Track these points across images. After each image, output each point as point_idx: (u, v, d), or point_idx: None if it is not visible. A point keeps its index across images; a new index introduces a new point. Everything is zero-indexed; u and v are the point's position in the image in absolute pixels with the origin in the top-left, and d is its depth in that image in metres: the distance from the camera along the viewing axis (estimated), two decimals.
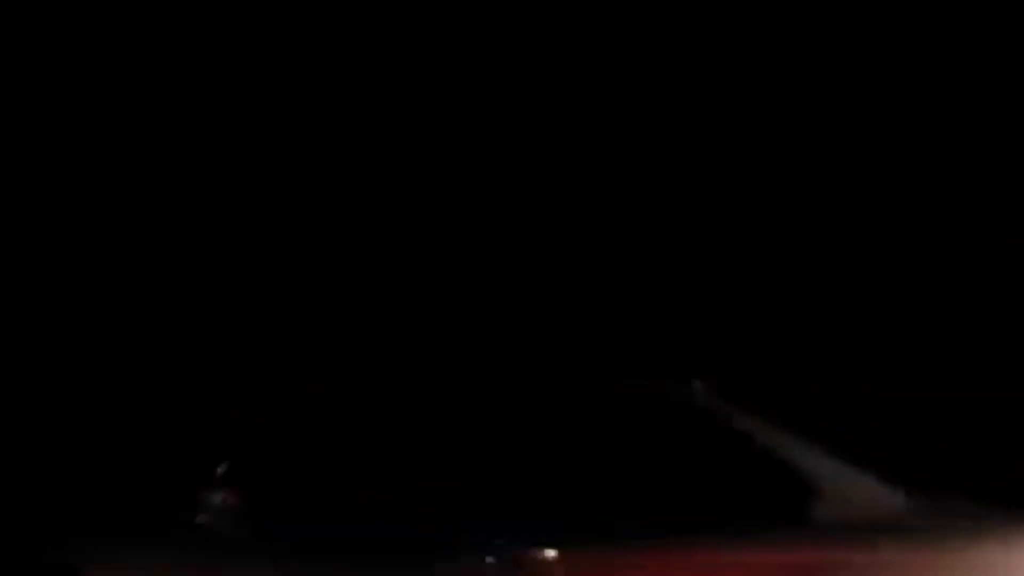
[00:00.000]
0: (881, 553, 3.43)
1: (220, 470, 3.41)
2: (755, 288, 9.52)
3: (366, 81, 9.41)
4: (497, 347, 8.76)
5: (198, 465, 3.58)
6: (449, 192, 9.56)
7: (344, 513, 3.43)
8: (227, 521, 3.36)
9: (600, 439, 3.61)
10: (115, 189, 9.12)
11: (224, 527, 3.36)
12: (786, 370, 9.11)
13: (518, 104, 9.70)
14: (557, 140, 9.55)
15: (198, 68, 9.16)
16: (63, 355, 8.17)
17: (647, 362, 8.17)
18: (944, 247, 9.59)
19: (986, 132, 9.81)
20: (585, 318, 9.31)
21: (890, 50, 9.67)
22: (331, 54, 9.31)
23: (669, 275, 9.50)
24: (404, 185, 9.43)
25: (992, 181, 9.66)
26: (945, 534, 3.54)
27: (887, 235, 9.81)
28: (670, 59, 9.58)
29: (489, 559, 3.30)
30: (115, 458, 6.36)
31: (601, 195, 9.73)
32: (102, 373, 8.16)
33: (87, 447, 6.94)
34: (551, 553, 3.31)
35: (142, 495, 3.65)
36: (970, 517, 3.72)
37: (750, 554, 3.38)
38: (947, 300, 9.30)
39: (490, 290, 9.45)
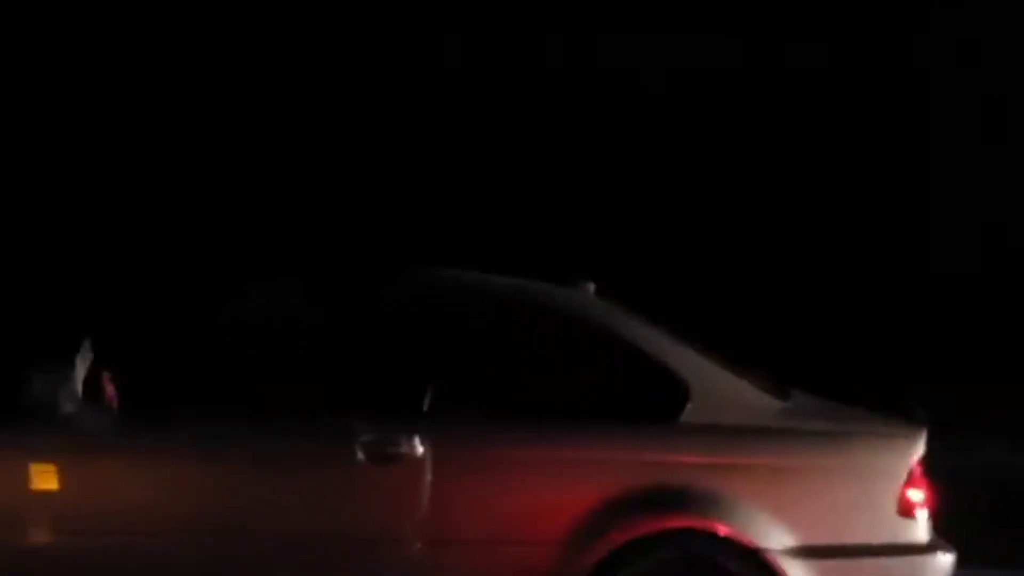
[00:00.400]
0: (742, 456, 3.47)
1: (81, 356, 3.38)
2: None
3: None
4: None
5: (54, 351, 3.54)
6: None
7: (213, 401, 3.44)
8: (91, 406, 3.34)
9: (479, 340, 3.62)
10: None
11: (88, 412, 3.34)
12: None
13: None
14: None
15: None
16: None
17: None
18: None
19: None
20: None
21: None
22: None
23: None
24: None
25: None
26: (815, 438, 3.57)
27: None
28: None
29: (357, 452, 3.31)
30: None
31: None
32: None
33: None
34: (419, 448, 3.33)
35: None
36: (848, 421, 3.73)
37: (610, 451, 3.43)
38: None
39: None
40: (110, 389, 3.38)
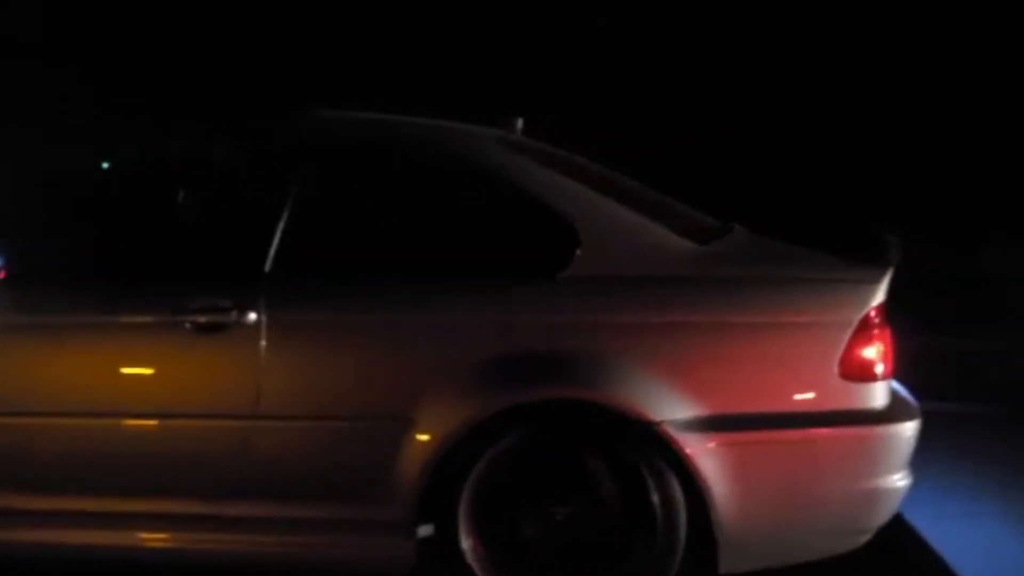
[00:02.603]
0: (635, 313, 2.87)
1: None
2: None
3: None
4: None
5: None
6: None
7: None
8: None
9: (342, 189, 3.10)
10: None
11: None
12: None
13: None
14: None
15: None
16: None
17: None
18: None
19: None
20: None
21: None
22: None
23: None
24: None
25: None
26: (729, 289, 2.90)
27: None
28: None
29: (185, 321, 2.88)
30: None
31: None
32: None
33: None
34: (251, 315, 2.87)
35: None
36: (781, 265, 3.04)
37: (472, 313, 2.89)
38: None
39: None
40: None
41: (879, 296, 2.90)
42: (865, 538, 2.98)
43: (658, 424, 2.76)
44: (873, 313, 2.88)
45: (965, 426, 5.04)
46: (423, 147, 3.15)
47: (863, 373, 2.86)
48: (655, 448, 2.79)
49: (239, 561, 2.96)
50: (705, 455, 2.78)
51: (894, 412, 2.93)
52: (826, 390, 2.85)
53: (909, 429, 2.93)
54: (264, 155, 3.19)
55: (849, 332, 2.85)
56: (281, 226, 2.98)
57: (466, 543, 2.86)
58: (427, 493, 2.84)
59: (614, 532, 2.86)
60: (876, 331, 2.89)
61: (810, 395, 2.86)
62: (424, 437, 2.82)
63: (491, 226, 3.03)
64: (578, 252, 2.91)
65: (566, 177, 3.10)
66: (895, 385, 3.28)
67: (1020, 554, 3.53)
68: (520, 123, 3.69)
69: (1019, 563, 3.46)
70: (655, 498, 2.81)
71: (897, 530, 3.66)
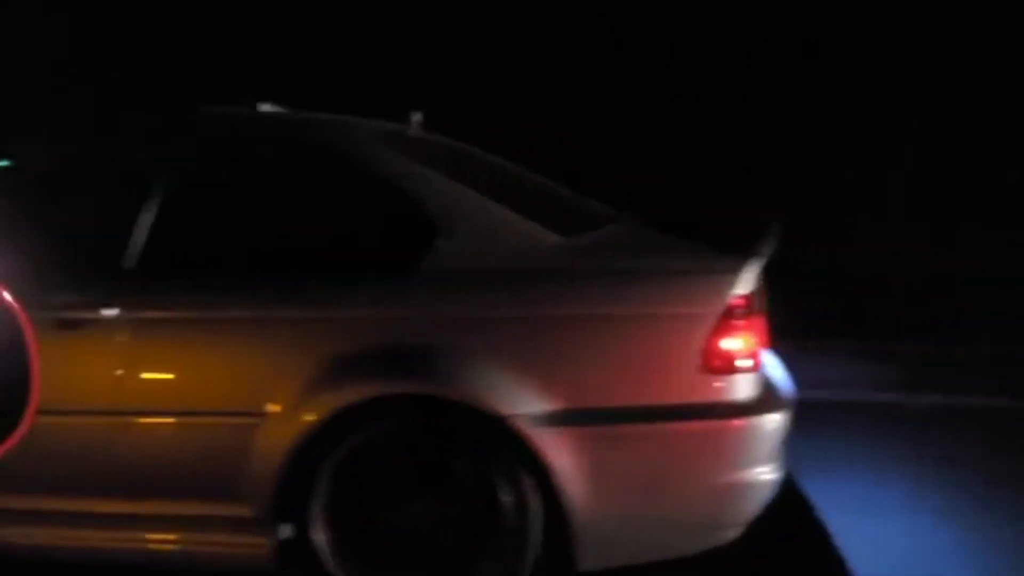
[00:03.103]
0: (486, 307, 2.84)
1: None
2: None
3: None
4: None
5: None
6: None
7: None
8: None
9: (212, 183, 3.09)
10: None
11: None
12: None
13: None
14: None
15: None
16: None
17: None
18: None
19: None
20: None
21: None
22: None
23: None
24: None
25: None
26: (585, 281, 2.86)
27: None
28: None
29: (49, 316, 2.89)
30: None
31: None
32: None
33: None
34: (111, 310, 2.88)
35: None
36: (645, 257, 3.01)
37: (326, 308, 2.87)
38: None
39: None
40: None
41: (743, 287, 2.84)
42: (734, 533, 2.92)
43: (509, 418, 2.73)
44: (737, 304, 2.83)
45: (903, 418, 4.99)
46: (289, 142, 3.14)
47: (725, 365, 2.81)
48: (508, 444, 2.76)
49: (104, 558, 2.97)
50: (558, 450, 2.75)
51: (760, 404, 2.87)
52: (685, 383, 2.80)
53: (774, 421, 2.87)
54: (134, 152, 3.19)
55: (710, 324, 2.80)
56: (147, 223, 2.98)
57: (320, 537, 2.85)
58: (285, 489, 2.84)
59: (468, 529, 2.84)
60: (741, 322, 2.83)
61: (669, 388, 2.81)
62: (281, 432, 2.81)
63: (356, 220, 3.01)
64: (438, 245, 2.89)
65: (435, 172, 3.07)
66: (779, 376, 3.23)
67: (916, 549, 3.47)
68: (418, 117, 3.66)
69: (913, 559, 3.40)
70: (506, 495, 2.78)
71: (805, 524, 3.64)
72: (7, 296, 1.18)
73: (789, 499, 3.82)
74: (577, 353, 2.81)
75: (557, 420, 2.75)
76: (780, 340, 3.33)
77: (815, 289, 7.73)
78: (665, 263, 2.93)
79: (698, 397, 2.81)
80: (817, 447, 4.43)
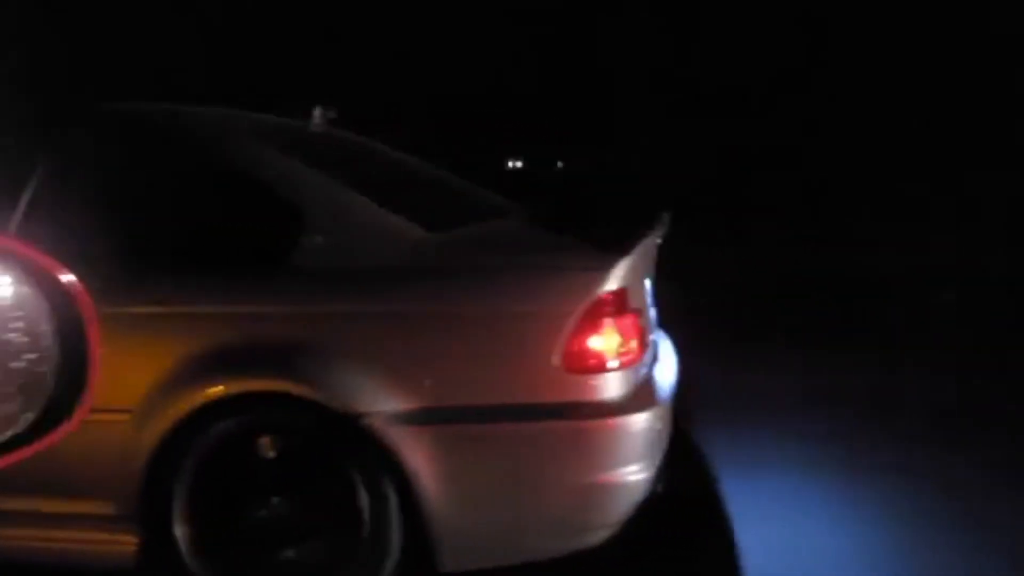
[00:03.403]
0: (340, 303, 2.80)
1: None
2: None
3: None
4: None
5: None
6: None
7: None
8: None
9: (77, 178, 3.07)
10: None
11: None
12: None
13: None
14: None
15: None
16: None
17: None
18: None
19: None
20: None
21: None
22: None
23: None
24: None
25: None
26: (445, 279, 2.82)
27: None
28: None
29: None
30: None
31: None
32: None
33: None
34: None
35: None
36: (510, 253, 2.95)
37: (179, 304, 2.84)
38: None
39: None
40: None
41: (609, 284, 2.77)
42: (603, 534, 2.85)
43: (363, 417, 2.69)
44: (602, 302, 2.76)
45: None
46: (158, 136, 3.12)
47: (588, 364, 2.75)
48: (363, 442, 2.72)
49: None
50: (416, 450, 2.70)
51: (627, 403, 2.81)
52: (546, 382, 2.74)
53: (642, 421, 2.81)
54: (11, 145, 3.18)
55: (572, 322, 2.74)
56: (20, 212, 2.98)
57: (180, 535, 2.83)
58: (150, 487, 2.82)
59: (327, 530, 2.80)
60: (606, 320, 2.77)
61: (529, 387, 2.75)
62: (144, 429, 2.80)
63: (222, 215, 2.99)
64: (301, 241, 2.86)
65: (305, 167, 3.02)
66: (663, 374, 3.17)
67: (814, 554, 3.39)
68: (319, 111, 3.64)
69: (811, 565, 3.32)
70: (362, 494, 2.75)
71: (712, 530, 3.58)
72: (71, 280, 1.16)
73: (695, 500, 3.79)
74: (435, 351, 2.76)
75: (414, 419, 2.71)
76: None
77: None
78: (528, 260, 2.87)
79: (560, 396, 2.75)
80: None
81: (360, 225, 2.89)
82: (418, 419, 2.71)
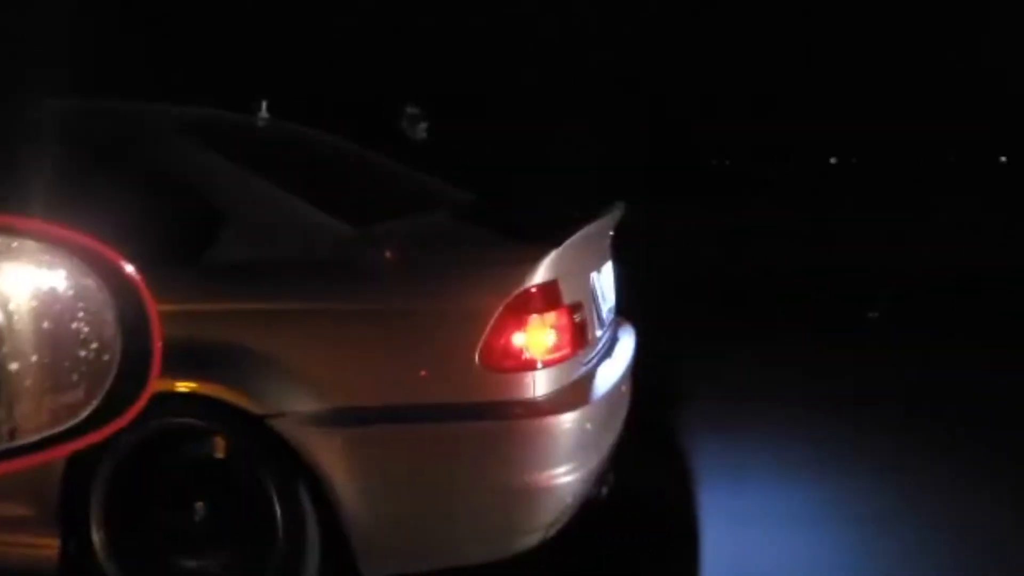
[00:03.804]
0: (251, 300, 2.71)
1: None
2: None
3: None
4: None
5: None
6: None
7: None
8: None
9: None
10: None
11: None
12: None
13: None
14: None
15: None
16: None
17: None
18: None
19: None
20: None
21: None
22: None
23: None
24: None
25: None
26: (360, 275, 2.72)
27: None
28: None
29: None
30: None
31: None
32: None
33: None
34: None
35: None
36: (433, 250, 2.84)
37: None
38: None
39: None
40: None
41: (535, 278, 2.65)
42: (535, 538, 2.72)
43: (270, 417, 2.60)
44: (527, 297, 2.64)
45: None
46: (79, 133, 3.05)
47: (511, 362, 2.63)
48: (275, 444, 2.62)
49: None
50: (329, 452, 2.60)
51: (553, 402, 2.68)
52: (468, 381, 2.62)
53: (568, 421, 2.68)
54: None
55: (493, 318, 2.62)
56: None
57: (95, 536, 2.77)
58: (68, 490, 2.75)
59: (243, 535, 2.72)
60: (529, 316, 2.64)
61: (447, 386, 2.64)
62: None
63: (142, 211, 2.90)
64: (219, 237, 2.77)
65: (226, 162, 2.94)
66: (611, 370, 3.05)
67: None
68: (264, 104, 3.57)
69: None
70: (275, 499, 2.65)
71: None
72: (133, 272, 1.13)
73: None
74: (350, 350, 2.66)
75: (327, 420, 2.61)
76: None
77: None
78: (449, 254, 2.76)
79: (482, 396, 2.63)
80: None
81: (280, 220, 2.80)
82: (332, 420, 2.61)
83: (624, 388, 3.17)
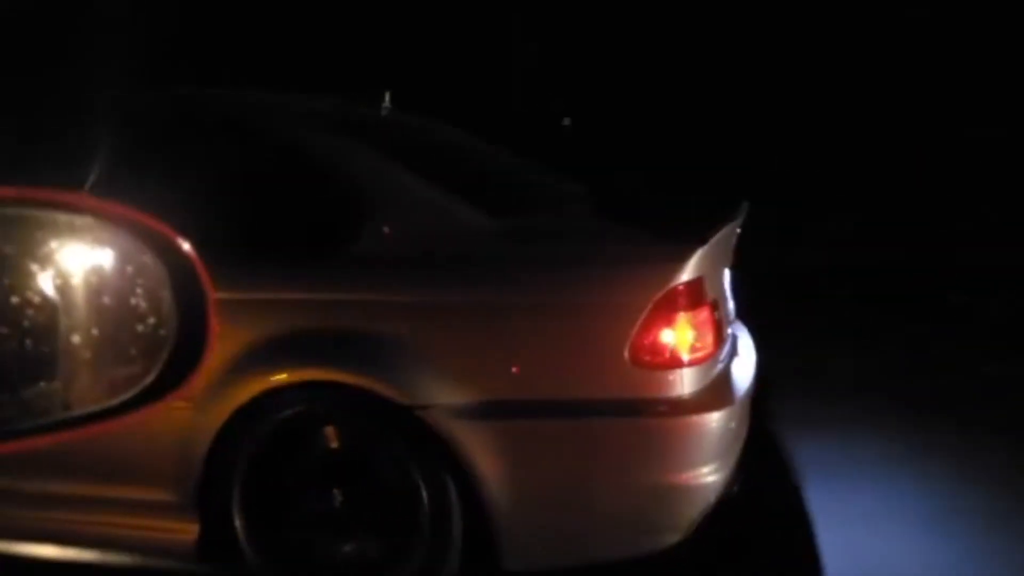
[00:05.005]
0: (402, 293, 2.71)
1: None
2: None
3: None
4: None
5: None
6: None
7: None
8: None
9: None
10: None
11: None
12: None
13: None
14: None
15: None
16: None
17: None
18: None
19: None
20: None
21: None
22: None
23: None
24: None
25: None
26: (508, 269, 2.70)
27: None
28: None
29: None
30: None
31: None
32: None
33: None
34: None
35: None
36: (576, 244, 2.82)
37: (269, 293, 2.78)
38: None
39: None
40: None
41: (683, 275, 2.62)
42: (673, 537, 2.69)
43: (420, 409, 2.60)
44: (675, 293, 2.61)
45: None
46: (218, 123, 3.07)
47: (659, 359, 2.60)
48: (424, 435, 2.63)
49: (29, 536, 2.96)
50: (478, 444, 2.61)
51: (700, 401, 2.65)
52: (615, 377, 2.60)
53: (716, 420, 2.65)
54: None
55: (642, 315, 2.59)
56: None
57: (238, 522, 2.79)
58: (208, 475, 2.77)
59: (385, 526, 2.72)
60: (678, 313, 2.62)
61: (597, 382, 2.62)
62: (204, 417, 2.75)
63: (284, 202, 2.92)
64: (362, 229, 2.78)
65: (367, 153, 2.94)
66: (741, 370, 3.02)
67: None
68: (388, 96, 3.57)
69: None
70: (425, 492, 2.66)
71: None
72: (190, 251, 1.15)
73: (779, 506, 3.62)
74: (498, 343, 2.65)
75: (476, 413, 2.61)
76: None
77: None
78: (596, 250, 2.74)
79: (630, 392, 2.61)
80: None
81: (423, 213, 2.80)
82: (479, 413, 2.61)
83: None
